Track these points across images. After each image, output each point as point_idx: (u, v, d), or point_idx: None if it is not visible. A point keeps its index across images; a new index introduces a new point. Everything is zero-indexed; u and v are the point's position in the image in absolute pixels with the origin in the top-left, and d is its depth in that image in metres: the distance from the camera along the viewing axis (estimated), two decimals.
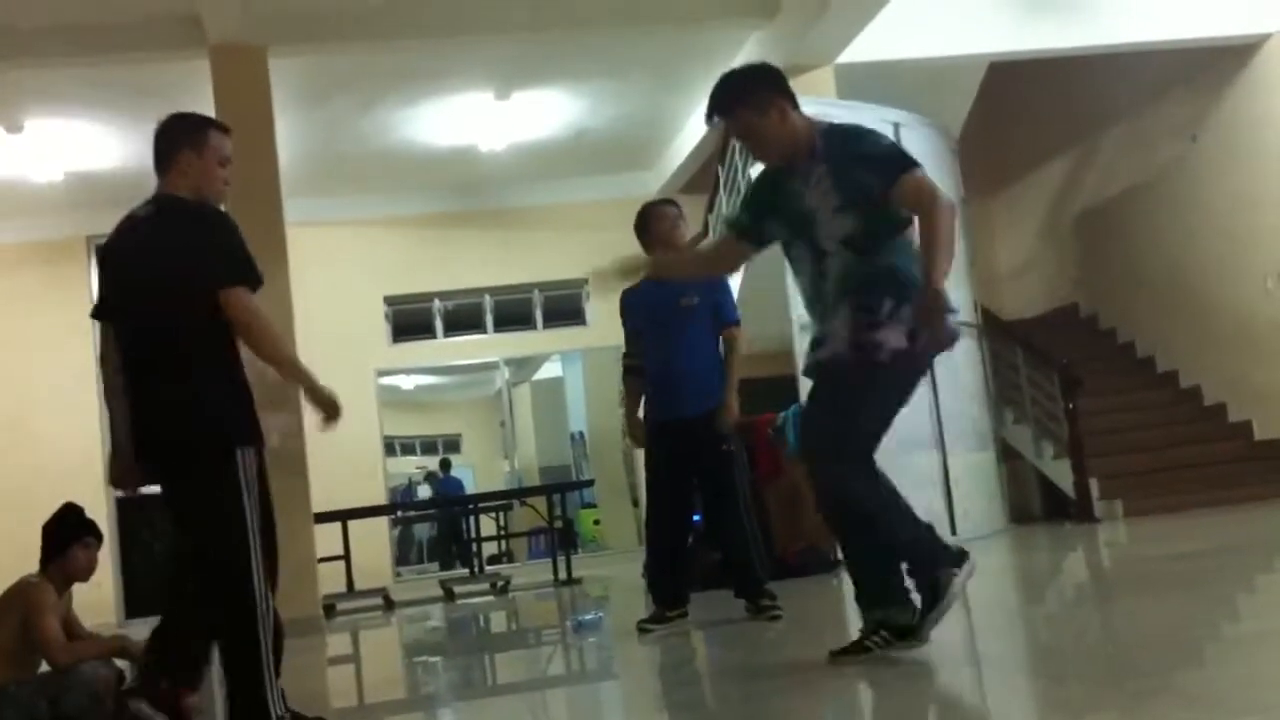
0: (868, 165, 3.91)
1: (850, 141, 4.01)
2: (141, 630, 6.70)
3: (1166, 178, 12.50)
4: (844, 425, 3.93)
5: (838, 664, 3.99)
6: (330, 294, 13.35)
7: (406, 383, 19.44)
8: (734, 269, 4.57)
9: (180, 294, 3.77)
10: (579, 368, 18.40)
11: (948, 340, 3.88)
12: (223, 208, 4.01)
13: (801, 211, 4.00)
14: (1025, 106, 13.87)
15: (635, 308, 5.96)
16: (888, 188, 3.85)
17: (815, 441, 4.05)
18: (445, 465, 20.27)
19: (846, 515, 4.03)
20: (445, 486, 19.36)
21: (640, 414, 5.99)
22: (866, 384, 3.90)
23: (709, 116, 4.13)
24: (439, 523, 18.42)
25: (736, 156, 12.19)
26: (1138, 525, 9.72)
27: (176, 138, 3.95)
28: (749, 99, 4.05)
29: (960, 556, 3.97)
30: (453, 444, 23.94)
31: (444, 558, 18.06)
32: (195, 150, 3.92)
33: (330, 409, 3.81)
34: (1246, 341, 11.54)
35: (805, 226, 4.01)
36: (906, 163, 3.90)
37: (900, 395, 4.02)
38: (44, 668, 4.88)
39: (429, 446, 22.82)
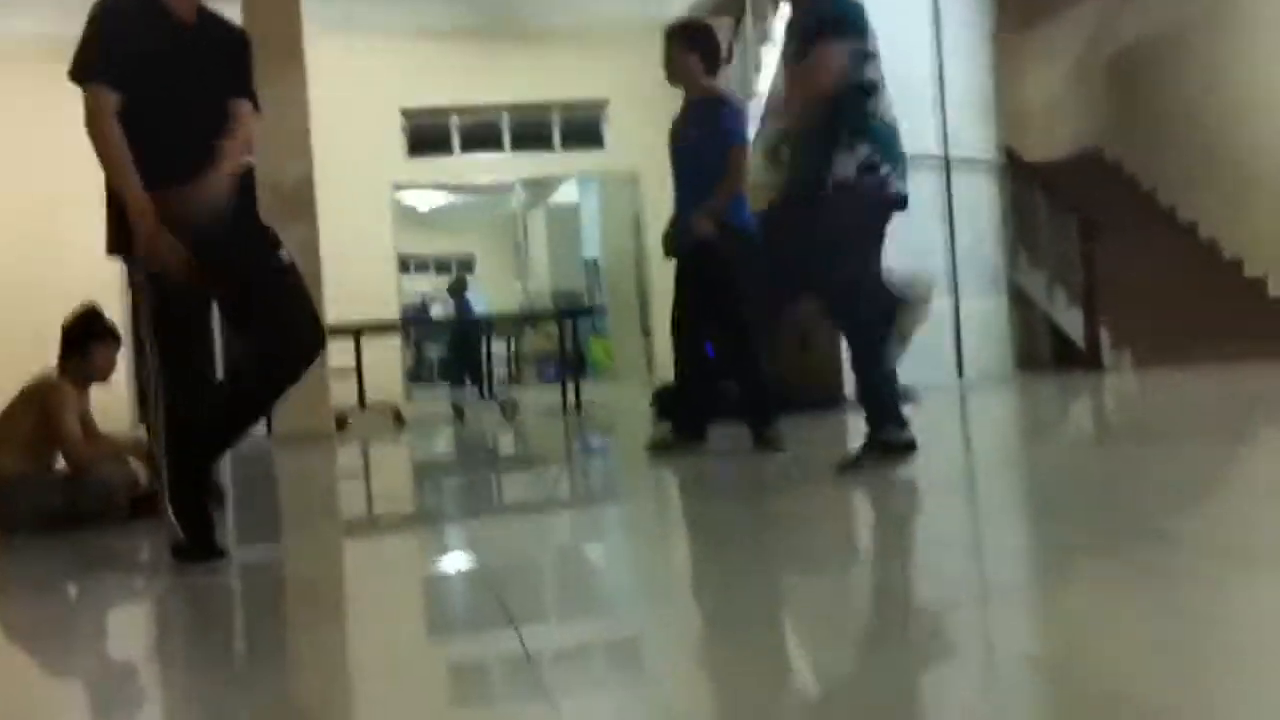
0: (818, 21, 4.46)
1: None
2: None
3: (1202, 26, 12.18)
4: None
5: (844, 476, 4.46)
6: (348, 103, 13.21)
7: (422, 203, 19.37)
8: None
9: None
10: (595, 193, 18.29)
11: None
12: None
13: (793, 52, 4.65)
14: None
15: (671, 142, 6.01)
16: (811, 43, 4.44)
17: None
18: (460, 285, 20.18)
19: None
20: (460, 308, 19.37)
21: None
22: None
23: None
24: (450, 343, 18.51)
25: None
26: (1145, 376, 9.77)
27: None
28: None
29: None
30: (466, 264, 23.97)
31: (454, 378, 18.23)
32: None
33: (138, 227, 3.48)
34: (1266, 196, 11.40)
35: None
36: (831, 29, 4.38)
37: None
38: (61, 464, 4.98)
39: (443, 266, 22.85)
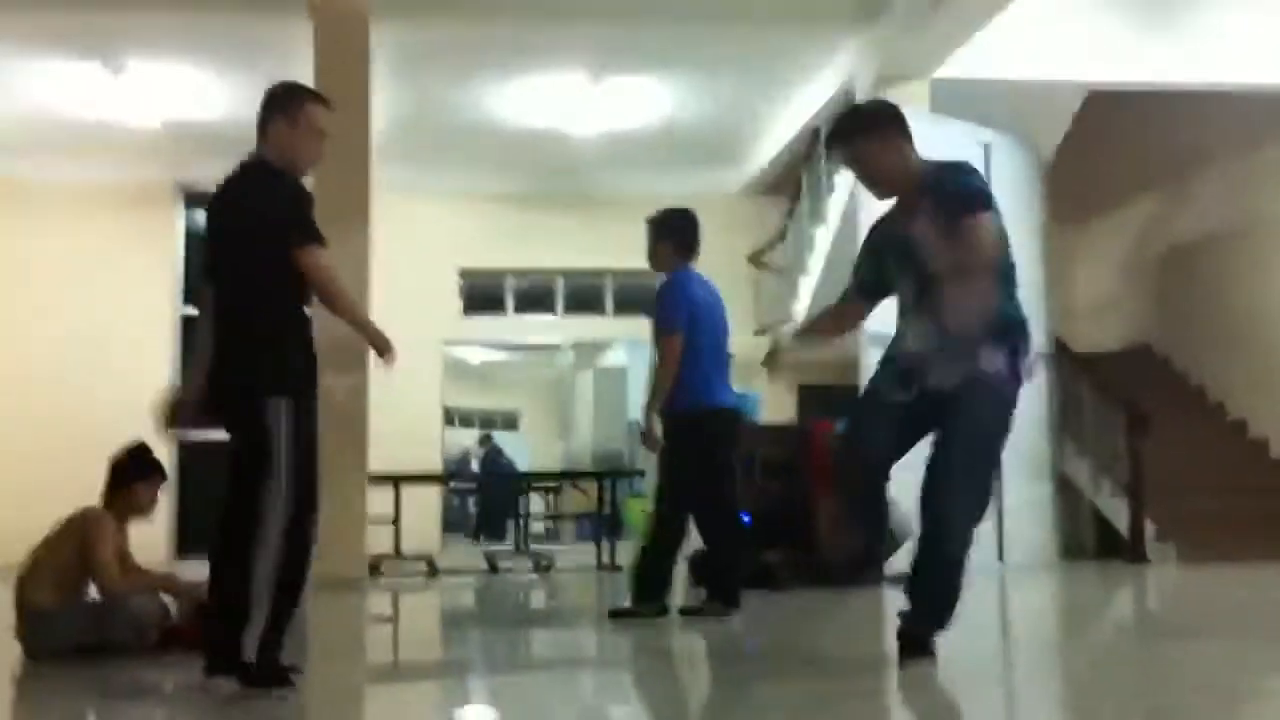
0: (956, 199, 4.03)
1: (948, 172, 4.15)
2: (190, 569, 6.84)
3: (1258, 227, 12.29)
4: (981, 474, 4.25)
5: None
6: (408, 261, 13.49)
7: (473, 356, 19.62)
8: (858, 323, 4.64)
9: (251, 251, 3.92)
10: (643, 358, 18.46)
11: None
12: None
13: (907, 241, 4.14)
14: (1122, 137, 13.68)
15: None
16: (958, 220, 3.97)
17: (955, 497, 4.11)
18: (487, 439, 20.34)
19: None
20: (495, 465, 19.53)
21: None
22: (1007, 422, 4.16)
23: (828, 144, 4.33)
24: (483, 497, 18.60)
25: (822, 162, 12.19)
26: (1190, 571, 9.60)
27: (272, 105, 4.08)
28: (873, 131, 4.20)
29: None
30: (510, 420, 24.12)
31: (490, 531, 18.23)
32: (288, 120, 4.04)
33: (383, 345, 4.11)
34: None
35: (910, 254, 4.14)
36: (976, 205, 4.00)
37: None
38: (93, 594, 5.01)
39: (488, 420, 23.00)
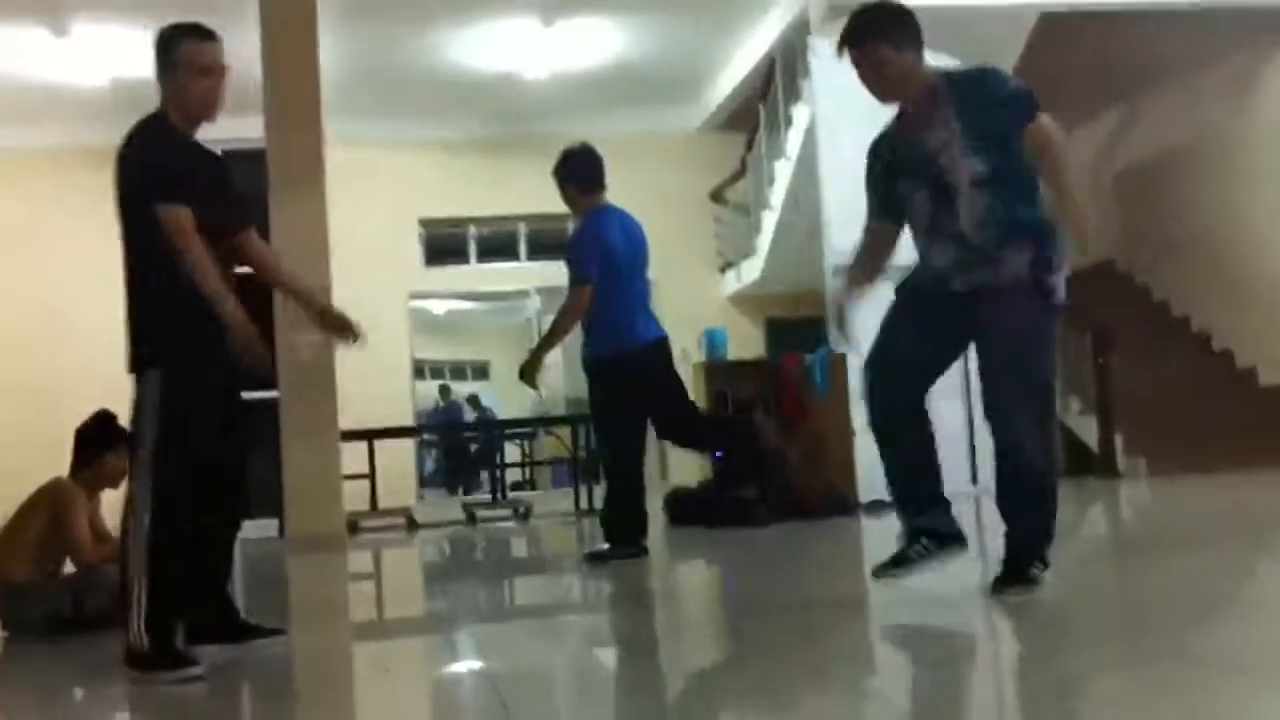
0: (1001, 106, 3.92)
1: (979, 84, 4.02)
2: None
3: (1213, 141, 12.33)
4: (1034, 377, 4.01)
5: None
6: (367, 214, 13.39)
7: (438, 307, 19.52)
8: (893, 251, 4.46)
9: (128, 211, 3.82)
10: None
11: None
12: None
13: (924, 155, 3.98)
14: (1073, 61, 13.65)
15: None
16: (1022, 127, 3.87)
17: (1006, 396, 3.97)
18: (445, 391, 20.54)
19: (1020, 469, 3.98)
20: (456, 416, 19.72)
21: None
22: (1045, 326, 4.05)
23: (841, 44, 4.05)
24: (452, 449, 18.71)
25: (780, 95, 12.14)
26: (1160, 484, 9.71)
27: (156, 54, 3.88)
28: (889, 34, 4.00)
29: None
30: (481, 370, 24.07)
31: (467, 481, 18.28)
32: (168, 65, 3.84)
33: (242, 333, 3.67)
34: (1278, 306, 11.44)
35: (927, 168, 3.98)
36: (1035, 104, 3.93)
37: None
38: (69, 567, 4.98)
39: (458, 371, 22.95)
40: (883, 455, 4.17)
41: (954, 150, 3.91)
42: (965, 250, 3.95)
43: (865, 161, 4.28)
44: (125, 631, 3.59)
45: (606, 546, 6.08)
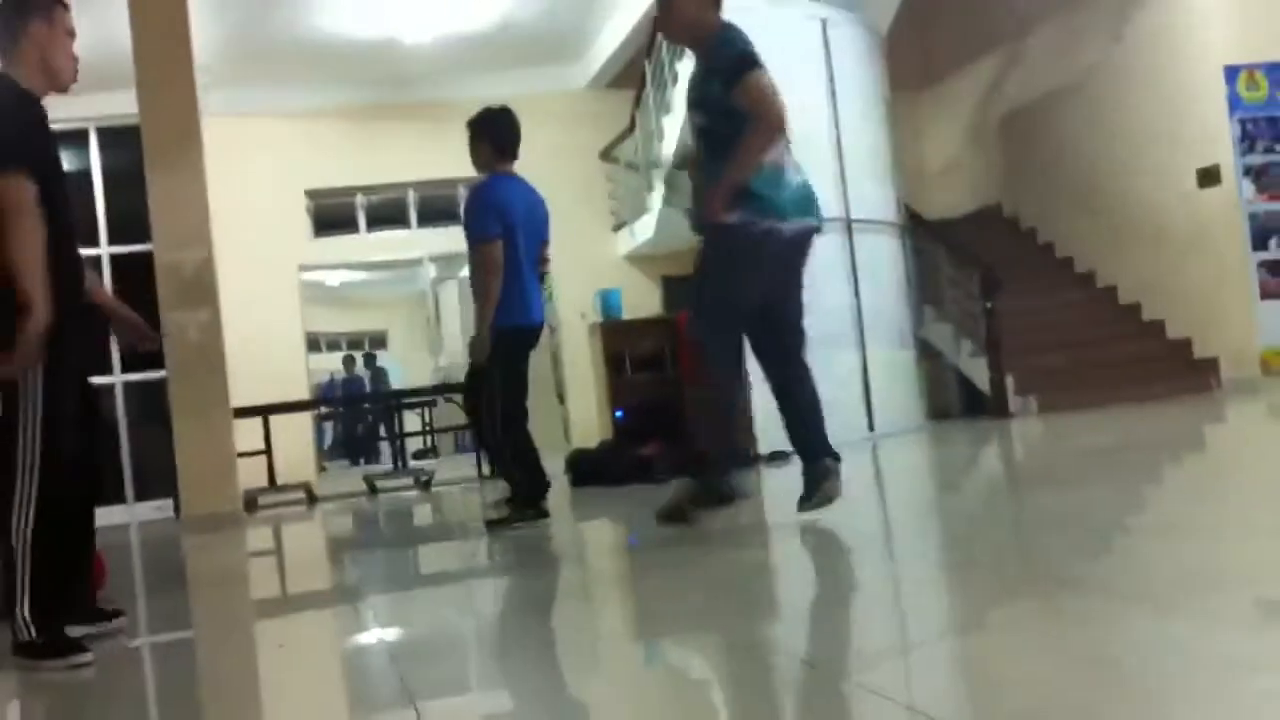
0: (716, 76, 4.44)
1: (715, 48, 4.50)
2: None
3: (1092, 80, 12.56)
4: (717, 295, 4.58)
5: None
6: (251, 188, 13.14)
7: (332, 278, 19.28)
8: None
9: None
10: None
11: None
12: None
13: (699, 96, 4.57)
14: (954, 3, 13.84)
15: None
16: (730, 89, 4.34)
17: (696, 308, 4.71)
18: (349, 361, 20.46)
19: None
20: (353, 388, 19.62)
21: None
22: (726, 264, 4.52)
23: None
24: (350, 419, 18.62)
25: (664, 52, 12.10)
26: (1052, 421, 9.93)
27: (26, 9, 3.72)
28: None
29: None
30: (379, 340, 23.83)
31: (363, 453, 18.16)
32: (43, 21, 3.71)
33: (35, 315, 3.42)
34: (1163, 244, 11.72)
35: (700, 108, 4.58)
36: (748, 64, 4.34)
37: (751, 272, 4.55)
38: None
39: (355, 343, 22.70)
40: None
41: (715, 99, 4.45)
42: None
43: None
44: (12, 623, 3.51)
45: (508, 510, 6.06)
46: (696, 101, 4.60)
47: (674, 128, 11.88)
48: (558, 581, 4.51)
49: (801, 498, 4.63)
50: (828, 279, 9.63)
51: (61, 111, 3.93)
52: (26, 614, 3.47)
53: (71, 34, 3.79)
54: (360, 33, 12.38)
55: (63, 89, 3.79)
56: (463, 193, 14.84)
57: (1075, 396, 10.47)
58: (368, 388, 19.57)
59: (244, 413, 9.69)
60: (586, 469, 8.51)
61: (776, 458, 8.55)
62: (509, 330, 5.91)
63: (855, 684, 2.31)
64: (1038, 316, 11.82)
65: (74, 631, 3.63)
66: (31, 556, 3.48)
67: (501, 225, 5.87)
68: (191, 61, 9.24)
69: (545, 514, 6.04)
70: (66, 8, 3.81)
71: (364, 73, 13.54)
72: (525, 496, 6.01)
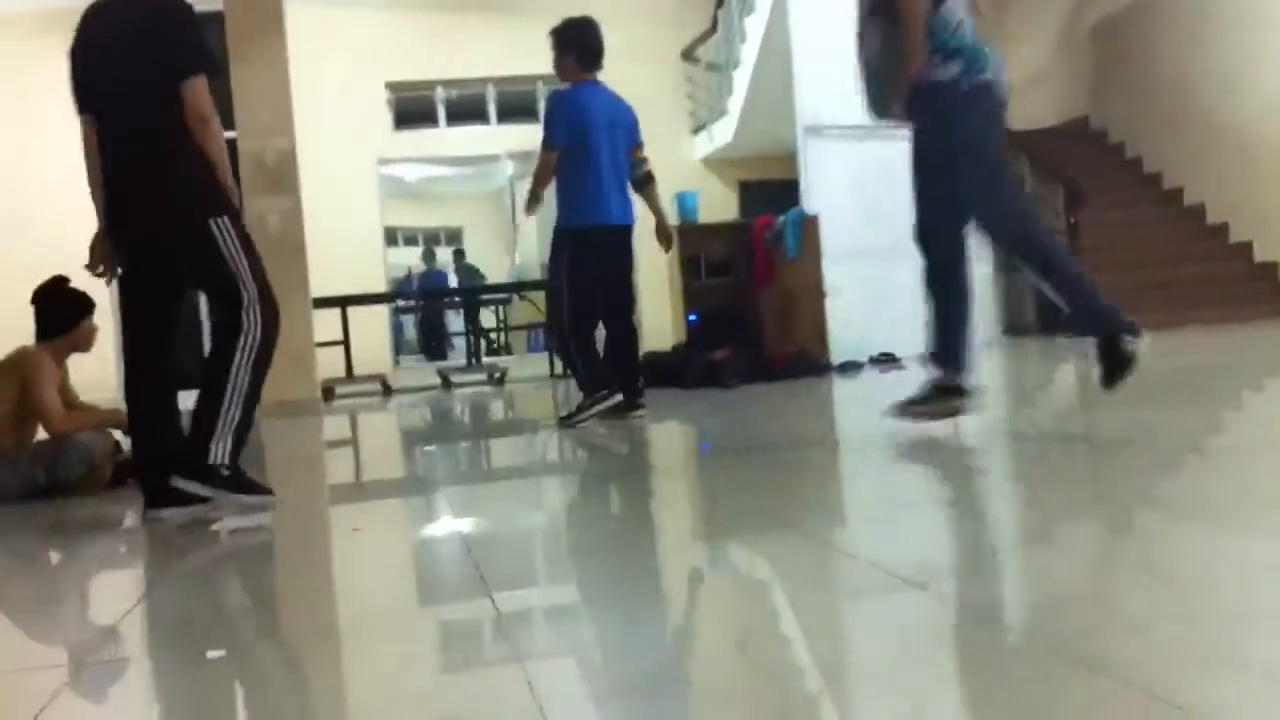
0: None
1: None
2: None
3: None
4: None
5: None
6: (331, 78, 13.18)
7: (410, 173, 19.36)
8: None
9: (151, 90, 3.79)
10: None
11: None
12: None
13: None
14: None
15: None
16: None
17: None
18: (430, 256, 20.54)
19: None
20: (431, 279, 19.71)
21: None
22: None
23: None
24: (426, 316, 18.79)
25: None
26: None
27: None
28: None
29: None
30: (454, 236, 23.95)
31: (439, 348, 18.33)
32: None
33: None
34: (1249, 162, 11.43)
35: None
36: None
37: None
38: (40, 435, 4.99)
39: (431, 238, 22.84)
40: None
41: None
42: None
43: None
44: (195, 450, 3.80)
45: (575, 408, 6.15)
46: None
47: (757, 29, 11.71)
48: (626, 480, 4.56)
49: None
50: (901, 184, 9.50)
51: None
52: (227, 451, 3.83)
53: None
54: None
55: None
56: (543, 89, 14.82)
57: (1158, 315, 10.24)
58: (450, 282, 19.68)
59: (323, 303, 9.82)
60: (659, 371, 8.55)
61: (848, 368, 8.55)
62: (578, 231, 6.07)
63: (914, 586, 2.33)
64: (1122, 233, 11.61)
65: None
66: (246, 399, 3.86)
67: (570, 134, 6.03)
68: None
69: (616, 391, 6.11)
70: None
71: None
72: (590, 390, 6.10)
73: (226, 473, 3.84)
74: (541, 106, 14.88)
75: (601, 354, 6.30)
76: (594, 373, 6.16)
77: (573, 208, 6.06)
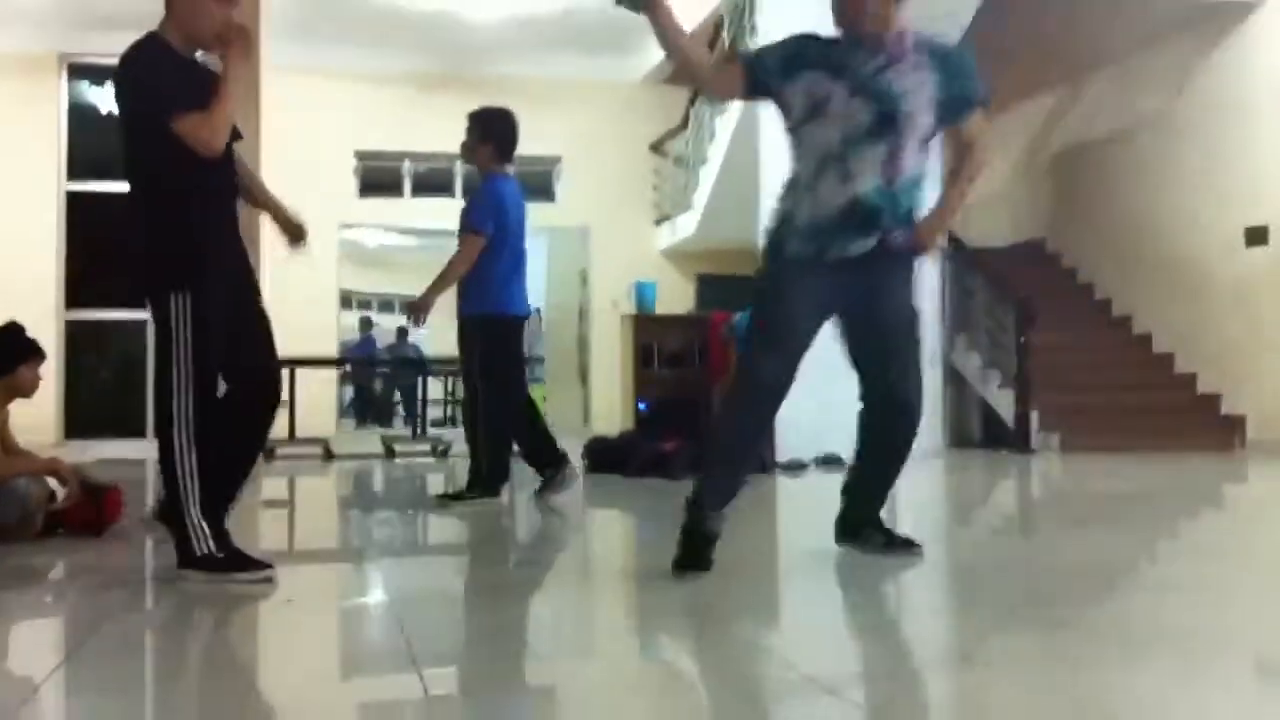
0: (969, 78, 3.99)
1: (958, 56, 4.06)
2: (75, 452, 6.69)
3: (1147, 127, 12.50)
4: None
5: None
6: (303, 142, 13.22)
7: (369, 239, 19.38)
8: (718, 93, 4.36)
9: (135, 133, 3.79)
10: (543, 245, 18.37)
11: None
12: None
13: (885, 83, 3.82)
14: (1018, 39, 13.75)
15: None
16: (969, 108, 3.97)
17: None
18: (366, 325, 20.38)
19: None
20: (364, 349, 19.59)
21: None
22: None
23: None
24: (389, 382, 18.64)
25: (725, 51, 12.10)
26: (1072, 461, 9.90)
27: None
28: None
29: None
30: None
31: (386, 416, 18.21)
32: None
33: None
34: (1203, 297, 11.66)
35: (884, 99, 3.81)
36: (987, 98, 4.04)
37: None
38: None
39: (386, 304, 22.81)
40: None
41: (921, 99, 3.85)
42: (881, 195, 3.83)
43: (799, 36, 3.99)
44: (180, 539, 3.69)
45: (463, 488, 6.27)
46: (885, 91, 3.83)
47: (727, 128, 11.90)
48: (568, 559, 4.54)
49: None
50: None
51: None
52: (202, 531, 3.66)
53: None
54: (426, 4, 12.44)
55: (206, 49, 3.89)
56: (510, 169, 14.97)
57: (1098, 439, 10.43)
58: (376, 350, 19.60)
59: None
60: (604, 457, 8.54)
61: (792, 467, 8.61)
62: (503, 318, 6.22)
63: (844, 699, 2.34)
64: (1069, 355, 11.78)
65: None
66: (198, 477, 3.66)
67: (496, 224, 6.19)
68: (258, 14, 9.30)
69: (495, 495, 6.20)
70: None
71: (425, 42, 13.61)
72: (486, 478, 6.17)
73: (220, 555, 3.71)
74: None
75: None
76: (494, 463, 6.19)
77: (487, 296, 6.18)
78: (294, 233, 4.29)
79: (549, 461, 6.43)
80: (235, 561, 3.72)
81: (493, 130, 6.40)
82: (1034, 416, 10.80)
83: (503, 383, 6.22)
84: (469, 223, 6.22)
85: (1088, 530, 5.39)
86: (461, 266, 6.17)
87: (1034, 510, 7.27)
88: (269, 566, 3.76)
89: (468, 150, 6.47)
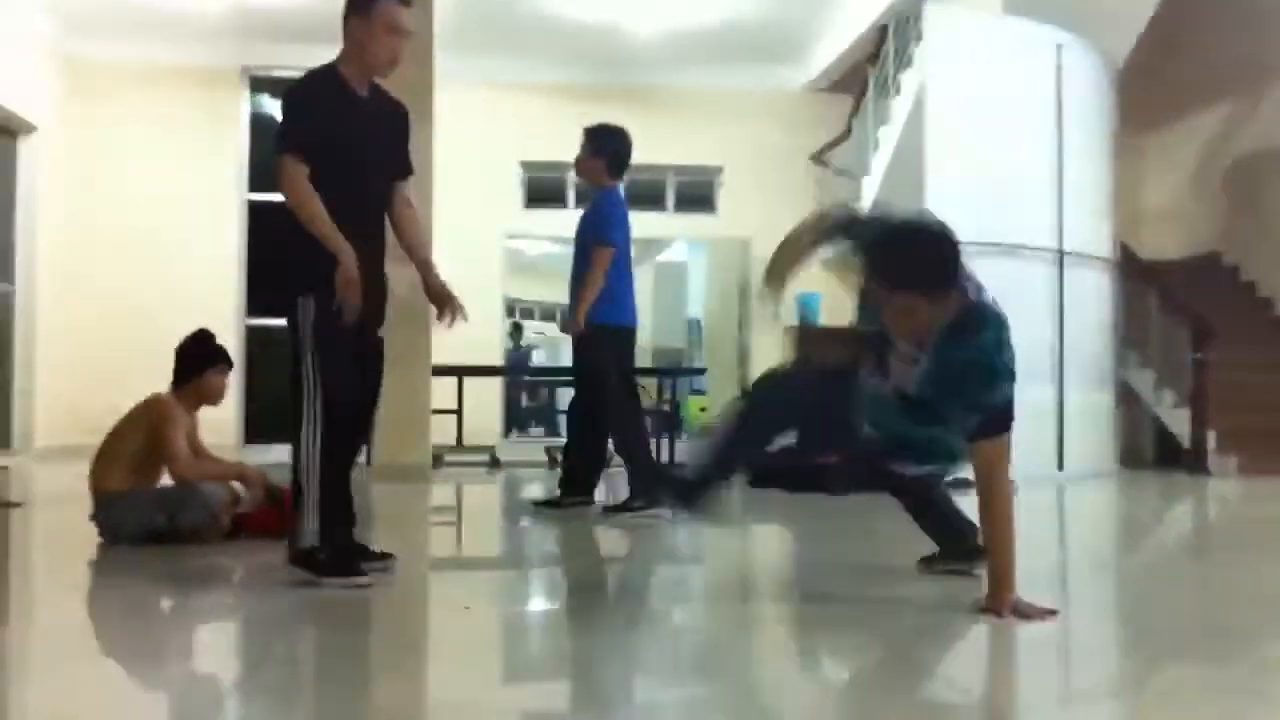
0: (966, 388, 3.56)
1: (960, 332, 3.52)
2: (254, 456, 6.94)
3: None
4: None
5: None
6: (470, 154, 13.47)
7: (533, 249, 19.65)
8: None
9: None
10: (703, 255, 18.41)
11: None
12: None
13: (887, 354, 3.83)
14: (1196, 43, 13.33)
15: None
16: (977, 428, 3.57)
17: None
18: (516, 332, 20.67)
19: None
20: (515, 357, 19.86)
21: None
22: None
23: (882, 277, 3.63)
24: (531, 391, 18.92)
25: (890, 60, 11.99)
26: (1251, 484, 9.55)
27: (353, 5, 4.07)
28: (934, 289, 3.46)
29: None
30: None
31: (547, 423, 18.43)
32: (362, 17, 4.02)
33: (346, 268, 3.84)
34: None
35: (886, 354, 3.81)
36: (995, 427, 3.57)
37: None
38: (165, 481, 5.13)
39: (548, 313, 23.11)
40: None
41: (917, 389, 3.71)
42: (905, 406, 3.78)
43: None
44: (293, 537, 3.89)
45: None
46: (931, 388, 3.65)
47: (890, 139, 11.77)
48: (734, 571, 4.54)
49: None
50: (1033, 310, 9.45)
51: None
52: (315, 529, 3.85)
53: (393, 30, 4.00)
54: (590, 16, 12.62)
55: (381, 76, 4.12)
56: (672, 180, 15.05)
57: (1279, 463, 10.04)
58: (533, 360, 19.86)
59: (441, 371, 9.99)
60: (766, 472, 8.50)
61: (958, 484, 8.45)
62: (620, 329, 6.43)
63: None
64: (1248, 373, 11.35)
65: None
66: (320, 476, 3.85)
67: (619, 236, 6.41)
68: (432, 30, 9.52)
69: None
70: (405, 3, 4.05)
71: (589, 54, 13.79)
72: (645, 489, 6.25)
73: (323, 556, 3.87)
74: (670, 196, 15.28)
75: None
76: (645, 472, 6.34)
77: (617, 306, 6.37)
78: (440, 304, 4.26)
79: (578, 488, 6.55)
80: (336, 565, 3.87)
81: (605, 146, 6.58)
82: (1211, 437, 10.44)
83: (618, 391, 6.34)
84: (600, 237, 6.36)
85: (1268, 557, 5.19)
86: (600, 277, 6.29)
87: (1210, 534, 7.03)
88: (363, 573, 3.90)
89: (581, 164, 6.65)
